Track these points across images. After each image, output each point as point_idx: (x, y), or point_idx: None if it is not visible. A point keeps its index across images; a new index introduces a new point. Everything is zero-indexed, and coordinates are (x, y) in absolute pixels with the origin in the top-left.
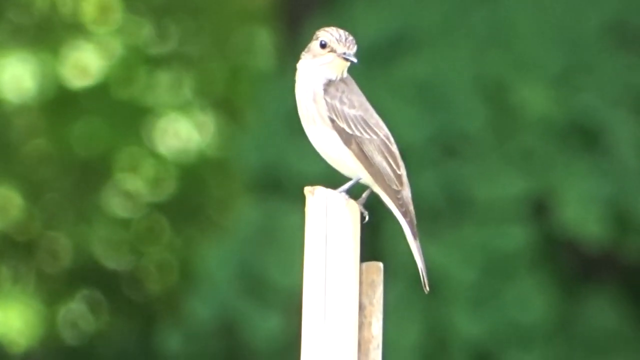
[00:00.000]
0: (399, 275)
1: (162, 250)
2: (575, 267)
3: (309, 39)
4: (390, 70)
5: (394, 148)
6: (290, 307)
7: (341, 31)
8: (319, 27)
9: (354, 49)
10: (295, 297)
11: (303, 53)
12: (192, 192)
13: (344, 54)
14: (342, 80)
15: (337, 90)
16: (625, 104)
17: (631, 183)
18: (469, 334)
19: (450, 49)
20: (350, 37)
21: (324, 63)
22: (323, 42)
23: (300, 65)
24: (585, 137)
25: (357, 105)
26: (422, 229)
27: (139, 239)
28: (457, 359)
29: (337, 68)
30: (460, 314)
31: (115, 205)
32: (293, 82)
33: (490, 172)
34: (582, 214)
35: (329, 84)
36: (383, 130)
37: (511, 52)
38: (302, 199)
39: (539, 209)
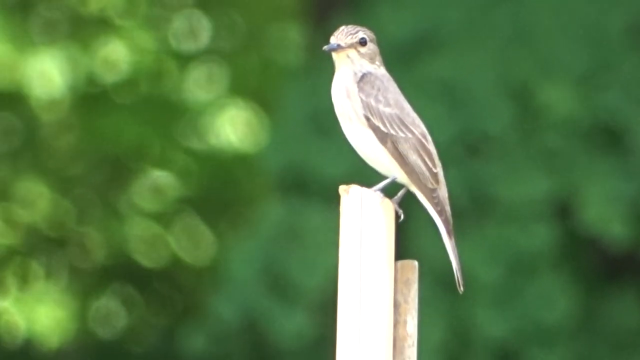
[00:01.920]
0: (423, 274)
1: (193, 246)
2: (599, 266)
3: None
4: (414, 69)
5: (431, 146)
6: (315, 306)
7: (344, 26)
8: (346, 24)
9: (346, 38)
10: (320, 296)
11: None
12: (224, 188)
13: (328, 46)
14: (377, 77)
15: (372, 87)
16: None
17: None
18: (492, 332)
19: (475, 49)
20: (349, 29)
21: (335, 60)
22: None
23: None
24: (609, 137)
25: (392, 104)
26: None
27: (170, 234)
28: (481, 358)
29: (339, 60)
30: (484, 313)
31: (146, 200)
32: (330, 80)
33: (514, 172)
34: (605, 214)
35: (364, 81)
36: (419, 128)
37: (535, 52)
38: (326, 198)
39: (563, 208)
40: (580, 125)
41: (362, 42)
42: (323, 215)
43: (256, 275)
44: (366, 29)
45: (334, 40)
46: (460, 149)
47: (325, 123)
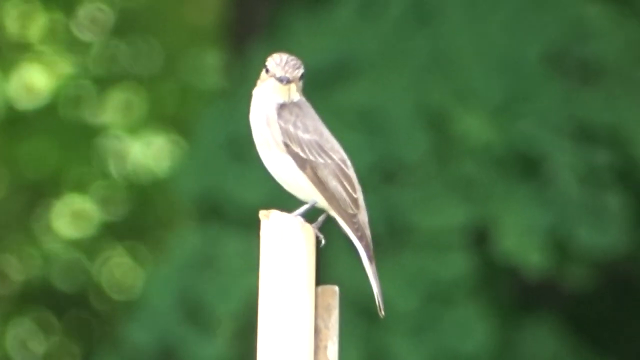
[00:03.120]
0: (342, 299)
1: (111, 271)
2: (516, 295)
3: (253, 62)
4: (331, 96)
5: (350, 172)
6: (233, 333)
7: (284, 56)
8: (262, 51)
9: (294, 72)
10: (238, 323)
11: (257, 80)
12: (142, 213)
13: (279, 77)
14: (296, 104)
15: (290, 114)
16: (567, 132)
17: (572, 212)
18: None
19: (391, 76)
20: (293, 62)
21: (269, 88)
22: (267, 68)
23: (254, 91)
24: (526, 166)
25: (311, 130)
26: None
27: (89, 259)
28: None
29: (281, 92)
30: (401, 341)
31: (65, 225)
32: (247, 108)
33: (430, 200)
34: (522, 243)
35: (282, 107)
36: (338, 153)
37: (452, 79)
38: (243, 224)
39: (480, 237)
40: (498, 153)
41: (301, 77)
42: (240, 242)
43: (172, 302)
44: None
45: (281, 72)
46: (377, 176)
47: (243, 148)
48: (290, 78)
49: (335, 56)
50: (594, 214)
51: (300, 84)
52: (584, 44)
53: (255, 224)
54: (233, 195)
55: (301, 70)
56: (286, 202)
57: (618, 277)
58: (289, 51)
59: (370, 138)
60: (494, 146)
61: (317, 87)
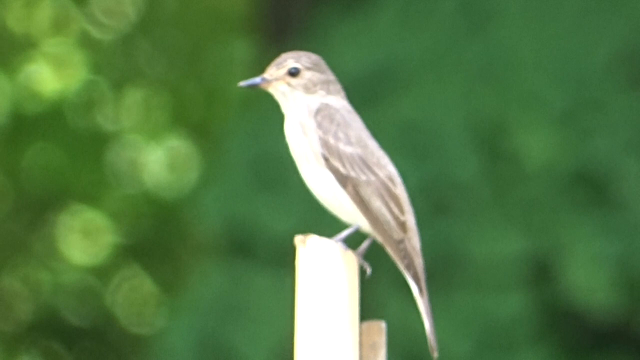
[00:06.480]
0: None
1: (127, 299)
2: (584, 339)
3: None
4: (371, 110)
5: (399, 190)
6: None
7: (283, 55)
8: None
9: (277, 71)
10: None
11: None
12: (166, 232)
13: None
14: (337, 109)
15: (331, 122)
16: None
17: None
18: None
19: (439, 86)
20: (281, 59)
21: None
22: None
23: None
24: (594, 188)
25: (354, 141)
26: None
27: (102, 285)
28: None
29: (275, 94)
30: None
31: (75, 246)
32: (281, 118)
33: (485, 229)
34: (590, 279)
35: (318, 112)
36: (385, 169)
37: (508, 90)
38: (273, 260)
39: (541, 271)
40: (561, 174)
41: (293, 73)
42: (271, 280)
43: (196, 351)
44: (306, 54)
45: (267, 72)
46: (424, 202)
47: (275, 170)
48: (268, 77)
49: (377, 64)
50: None
51: (301, 80)
52: None
53: (288, 260)
54: (263, 226)
55: (289, 66)
56: (324, 231)
57: None
58: (323, 58)
59: (415, 158)
60: (558, 165)
61: (355, 100)
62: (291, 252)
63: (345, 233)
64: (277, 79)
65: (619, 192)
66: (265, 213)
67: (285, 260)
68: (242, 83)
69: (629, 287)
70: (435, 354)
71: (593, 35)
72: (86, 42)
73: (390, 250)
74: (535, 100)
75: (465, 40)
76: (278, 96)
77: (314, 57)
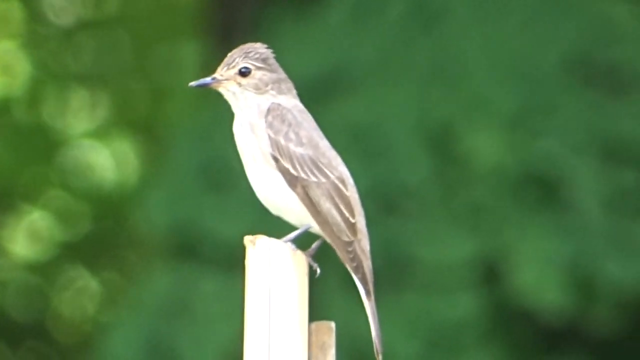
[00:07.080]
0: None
1: (73, 298)
2: (534, 339)
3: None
4: (321, 112)
5: (349, 192)
6: None
7: (235, 51)
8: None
9: (228, 70)
10: None
11: None
12: (109, 231)
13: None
14: (288, 109)
15: (283, 122)
16: (590, 150)
17: (596, 242)
18: None
19: (390, 88)
20: (231, 59)
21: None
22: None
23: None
24: (543, 190)
25: (305, 142)
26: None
27: (48, 284)
28: None
29: (226, 94)
30: None
31: (20, 243)
32: (230, 120)
33: (435, 231)
34: (540, 279)
35: (271, 113)
36: (336, 171)
37: (458, 92)
38: (220, 262)
39: (491, 272)
40: (511, 176)
41: (243, 73)
42: (218, 283)
43: (139, 351)
44: (255, 49)
45: (219, 72)
46: (374, 205)
47: (222, 173)
48: (218, 77)
49: (327, 65)
50: (621, 244)
51: (251, 80)
52: (610, 48)
53: (237, 263)
54: (211, 229)
55: (240, 66)
56: (273, 235)
57: None
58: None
59: (365, 160)
60: (507, 168)
61: (305, 101)
62: (240, 255)
63: (295, 233)
64: (227, 79)
65: (569, 194)
66: (213, 216)
67: (233, 263)
68: (193, 83)
69: (579, 287)
70: (380, 358)
71: (543, 38)
72: (31, 39)
73: (339, 253)
74: (485, 103)
75: (415, 42)
76: (228, 96)
77: (263, 51)
